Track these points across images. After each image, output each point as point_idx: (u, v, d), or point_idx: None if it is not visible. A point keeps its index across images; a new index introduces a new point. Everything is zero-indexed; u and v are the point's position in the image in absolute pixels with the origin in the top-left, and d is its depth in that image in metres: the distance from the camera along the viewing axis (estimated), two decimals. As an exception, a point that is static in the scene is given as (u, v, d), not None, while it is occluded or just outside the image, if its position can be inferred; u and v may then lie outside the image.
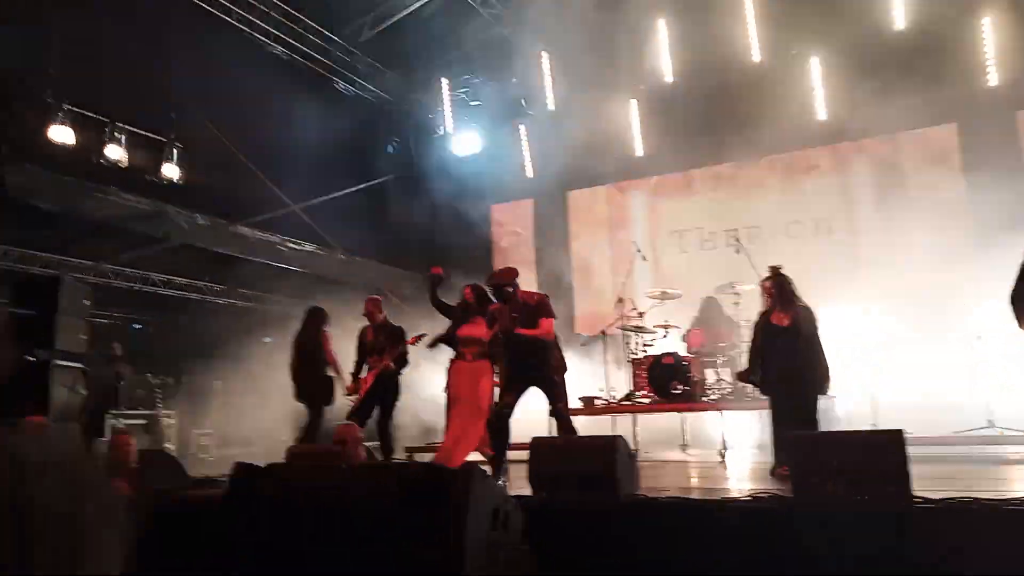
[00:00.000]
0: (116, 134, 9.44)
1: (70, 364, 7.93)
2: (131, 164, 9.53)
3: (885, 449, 4.37)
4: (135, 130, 9.66)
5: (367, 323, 7.41)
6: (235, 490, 4.80)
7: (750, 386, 7.27)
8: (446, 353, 6.77)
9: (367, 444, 6.88)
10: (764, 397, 6.07)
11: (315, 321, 7.53)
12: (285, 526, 4.39)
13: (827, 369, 5.83)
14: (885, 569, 3.92)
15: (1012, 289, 5.05)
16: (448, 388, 6.66)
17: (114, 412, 8.40)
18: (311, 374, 7.37)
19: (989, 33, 9.88)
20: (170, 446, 8.78)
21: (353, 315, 7.68)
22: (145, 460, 5.23)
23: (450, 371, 6.67)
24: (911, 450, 4.54)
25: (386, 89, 13.28)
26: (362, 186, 12.12)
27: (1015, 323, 5.03)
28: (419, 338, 7.13)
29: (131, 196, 9.36)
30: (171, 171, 9.95)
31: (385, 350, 7.17)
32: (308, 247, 11.45)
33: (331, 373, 7.43)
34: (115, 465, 5.07)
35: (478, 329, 6.40)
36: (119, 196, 9.19)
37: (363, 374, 7.26)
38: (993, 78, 9.88)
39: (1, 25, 7.99)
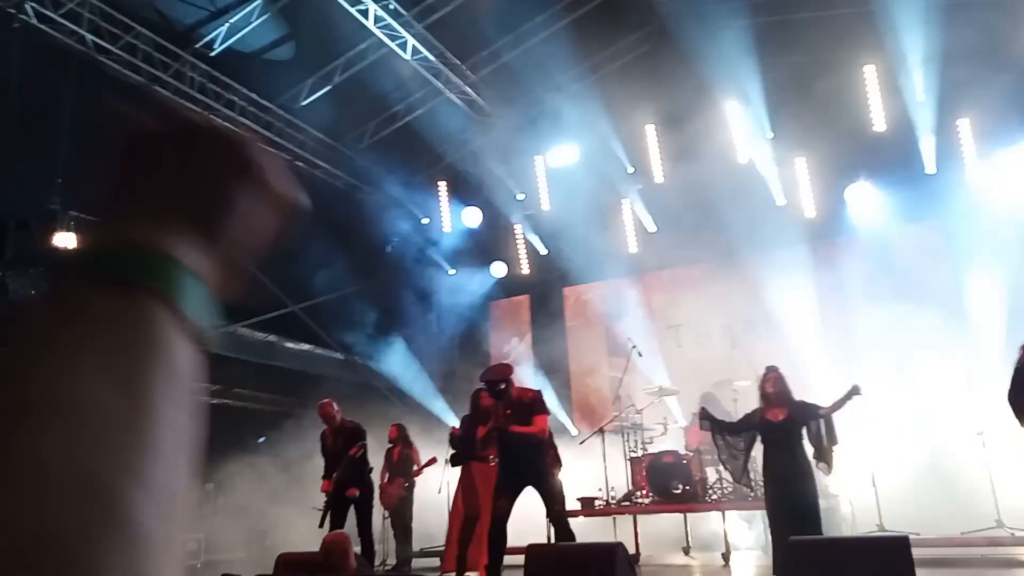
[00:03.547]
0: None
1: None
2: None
3: (890, 556, 4.25)
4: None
5: (326, 427, 7.44)
6: (221, 606, 4.66)
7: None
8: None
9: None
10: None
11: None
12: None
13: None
14: None
15: (1009, 388, 5.06)
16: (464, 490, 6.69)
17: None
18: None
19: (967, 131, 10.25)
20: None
21: (358, 418, 7.70)
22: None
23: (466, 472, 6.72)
24: (917, 552, 4.43)
25: (386, 191, 13.63)
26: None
27: (1016, 421, 5.02)
28: (361, 447, 7.25)
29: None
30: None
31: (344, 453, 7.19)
32: (305, 347, 11.48)
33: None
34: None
35: None
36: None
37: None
38: (974, 174, 10.16)
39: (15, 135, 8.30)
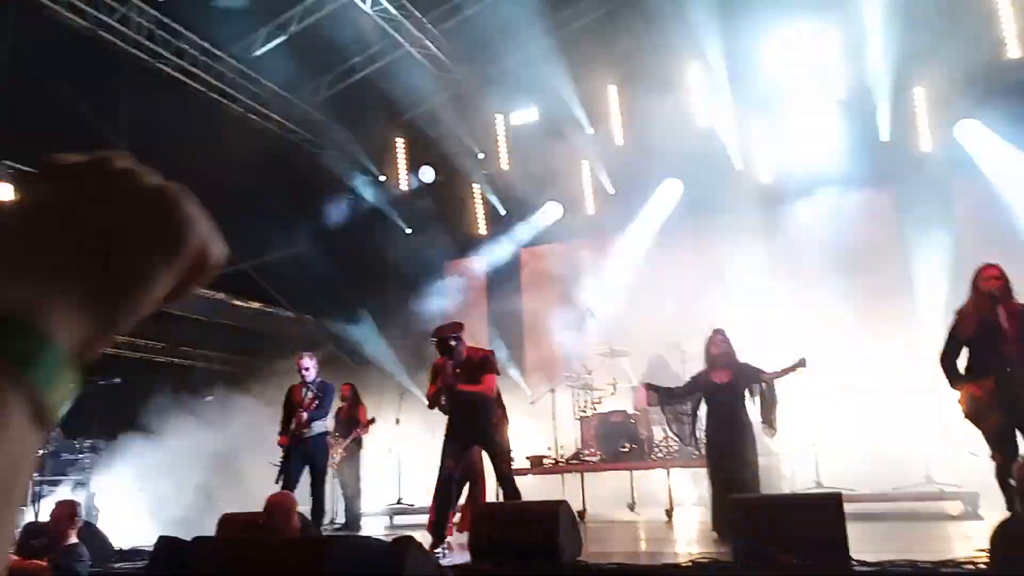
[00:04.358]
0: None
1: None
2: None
3: (823, 512, 4.38)
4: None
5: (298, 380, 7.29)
6: (157, 566, 4.62)
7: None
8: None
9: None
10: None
11: None
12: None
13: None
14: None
15: (942, 351, 5.21)
16: None
17: (38, 479, 7.99)
18: None
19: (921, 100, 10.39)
20: (96, 513, 8.36)
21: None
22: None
23: None
24: (851, 507, 4.57)
25: (342, 146, 13.35)
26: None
27: (947, 382, 5.19)
28: (315, 398, 7.10)
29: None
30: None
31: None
32: (255, 305, 11.28)
33: None
34: (53, 537, 4.82)
35: None
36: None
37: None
38: (927, 143, 10.32)
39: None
